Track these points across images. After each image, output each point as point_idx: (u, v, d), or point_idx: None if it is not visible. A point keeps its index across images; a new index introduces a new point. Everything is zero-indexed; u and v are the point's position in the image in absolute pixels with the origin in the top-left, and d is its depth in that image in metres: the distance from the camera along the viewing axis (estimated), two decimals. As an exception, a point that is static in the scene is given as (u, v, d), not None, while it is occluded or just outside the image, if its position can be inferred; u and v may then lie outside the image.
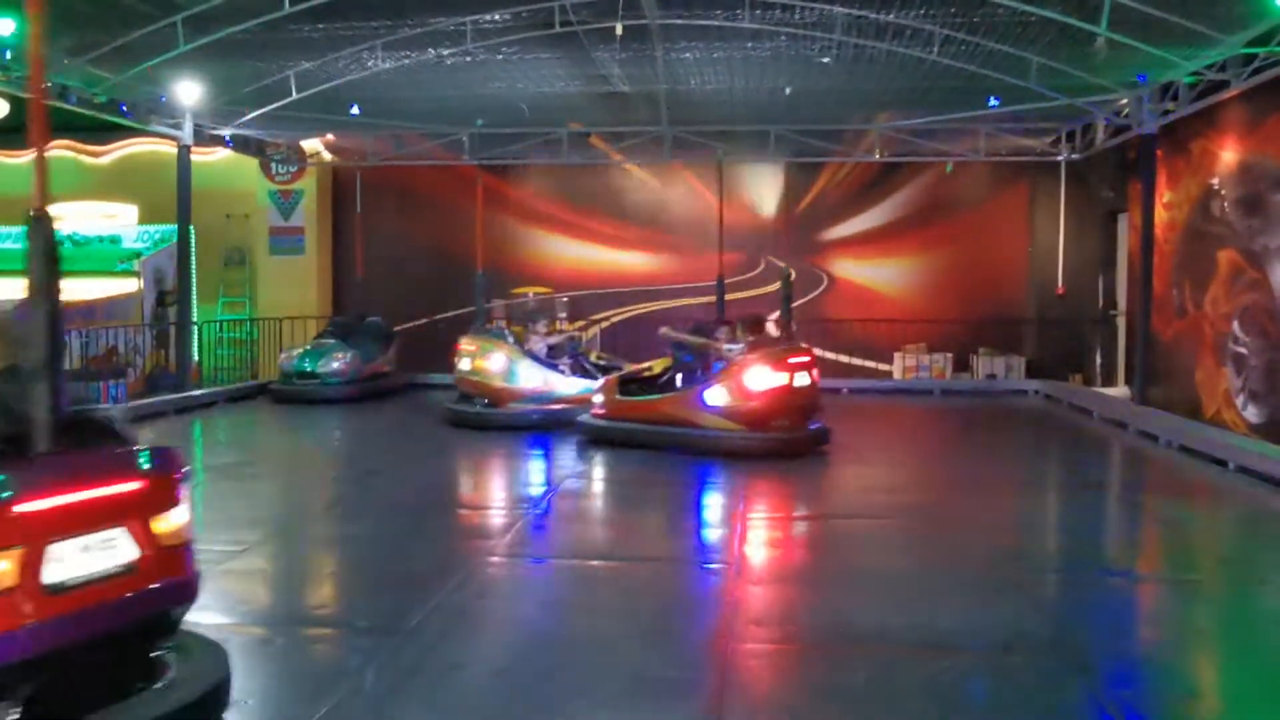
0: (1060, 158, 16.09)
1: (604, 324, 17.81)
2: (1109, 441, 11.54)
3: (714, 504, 8.38)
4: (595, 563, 6.33)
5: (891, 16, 11.15)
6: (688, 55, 11.80)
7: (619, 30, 10.94)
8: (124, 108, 12.81)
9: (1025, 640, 4.81)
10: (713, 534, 7.21)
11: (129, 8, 10.48)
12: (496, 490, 9.45)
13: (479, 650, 4.70)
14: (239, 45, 11.35)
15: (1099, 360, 16.25)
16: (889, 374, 17.05)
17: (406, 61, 11.75)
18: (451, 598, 5.36)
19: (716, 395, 9.94)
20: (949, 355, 16.83)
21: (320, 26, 10.57)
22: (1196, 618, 5.46)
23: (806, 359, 10.36)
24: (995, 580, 5.83)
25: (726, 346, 10.34)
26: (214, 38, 10.90)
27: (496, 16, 10.31)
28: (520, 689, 4.21)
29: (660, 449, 10.02)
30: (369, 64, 11.90)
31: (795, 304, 17.45)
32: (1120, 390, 14.81)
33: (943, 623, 5.07)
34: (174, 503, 3.48)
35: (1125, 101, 13.26)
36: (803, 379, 10.14)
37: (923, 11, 11.13)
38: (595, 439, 10.74)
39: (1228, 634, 5.24)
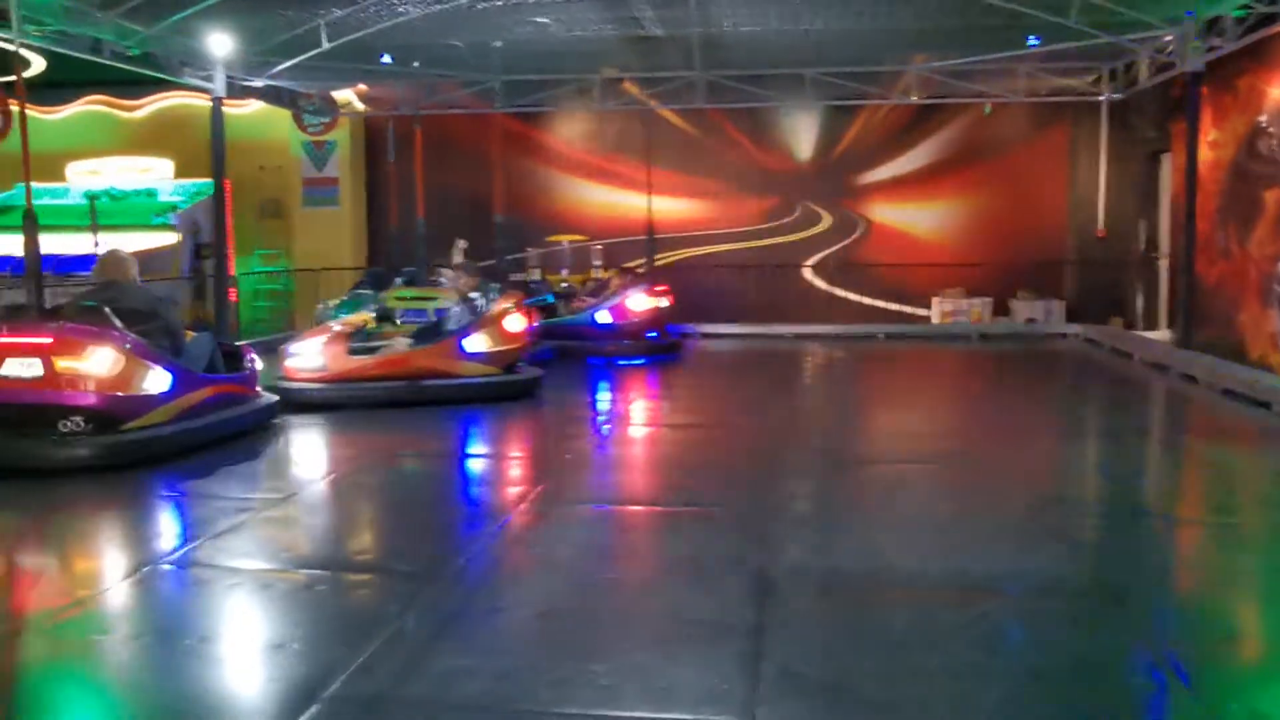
0: (1102, 97, 15.77)
1: (640, 269, 17.74)
2: (1150, 385, 11.41)
3: (734, 449, 8.35)
4: (638, 509, 6.35)
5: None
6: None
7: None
8: (157, 61, 12.78)
9: (1064, 584, 4.79)
10: (743, 478, 7.18)
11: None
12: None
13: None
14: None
15: (1140, 303, 16.02)
16: (926, 319, 16.92)
17: (436, 8, 11.63)
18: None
19: (477, 341, 10.27)
20: (988, 299, 16.67)
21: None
22: (1237, 561, 5.39)
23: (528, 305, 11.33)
24: (1034, 525, 5.79)
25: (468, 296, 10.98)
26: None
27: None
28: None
29: (406, 406, 9.83)
30: (399, 10, 11.79)
31: (832, 249, 17.48)
32: (1163, 334, 14.62)
33: (981, 567, 5.04)
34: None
35: (1170, 38, 12.94)
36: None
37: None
38: (314, 408, 9.68)
39: (1268, 577, 5.18)
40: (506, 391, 10.33)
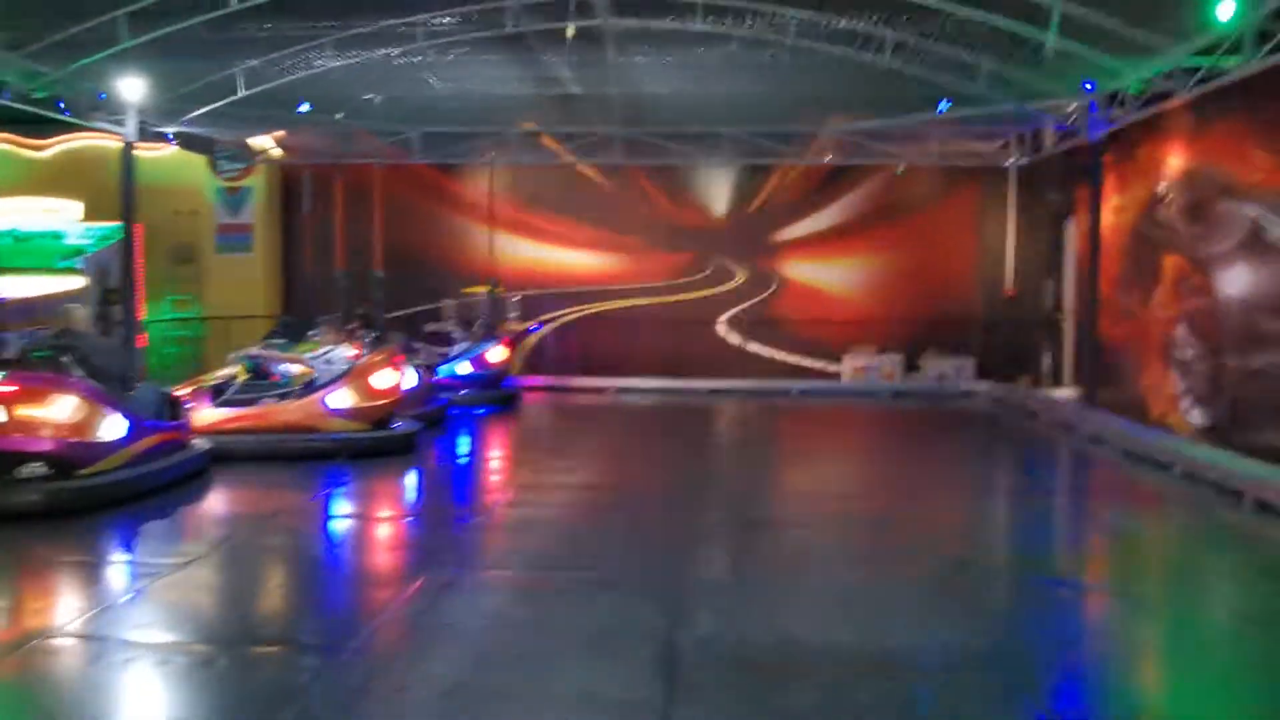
0: (1009, 162, 16.24)
1: (554, 323, 17.76)
2: (1056, 445, 11.67)
3: (652, 515, 8.34)
4: (542, 576, 6.29)
5: (843, 22, 11.22)
6: (638, 59, 11.76)
7: (570, 33, 10.91)
8: (63, 104, 12.52)
9: (973, 656, 4.84)
10: (650, 542, 7.15)
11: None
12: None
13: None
14: (184, 42, 11.13)
15: (1048, 361, 16.41)
16: (838, 375, 17.13)
17: (354, 61, 11.60)
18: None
19: (342, 398, 10.19)
20: (899, 356, 16.94)
21: (267, 26, 10.41)
22: (1140, 631, 5.51)
23: (401, 359, 11.23)
24: (941, 593, 5.87)
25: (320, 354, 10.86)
26: (158, 34, 10.70)
27: (446, 19, 10.20)
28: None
29: (270, 460, 9.80)
30: (316, 63, 11.75)
31: (747, 304, 17.66)
32: (1068, 391, 14.97)
33: (891, 638, 5.09)
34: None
35: (1074, 108, 13.40)
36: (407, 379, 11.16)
37: (874, 17, 11.21)
38: None
39: (1172, 648, 5.30)
40: (378, 447, 10.12)
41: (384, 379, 10.36)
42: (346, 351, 10.64)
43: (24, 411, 7.27)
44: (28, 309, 14.67)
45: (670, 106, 14.47)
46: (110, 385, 7.95)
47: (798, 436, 13.12)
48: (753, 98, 14.06)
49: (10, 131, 17.70)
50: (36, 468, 7.30)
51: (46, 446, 7.31)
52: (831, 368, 17.33)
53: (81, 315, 8.49)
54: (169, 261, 17.74)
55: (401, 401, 10.71)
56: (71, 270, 15.84)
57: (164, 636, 5.08)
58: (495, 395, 14.47)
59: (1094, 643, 5.37)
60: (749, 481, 9.85)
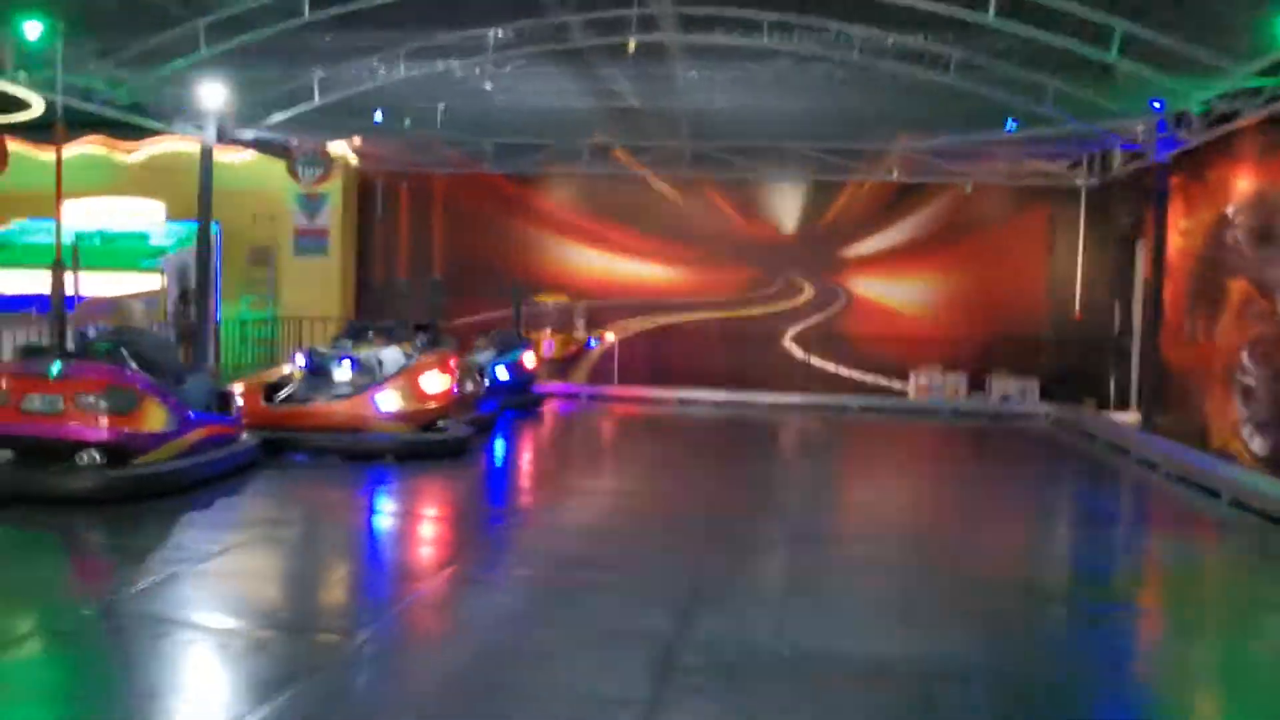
0: (1079, 183, 16.04)
1: (622, 334, 17.94)
2: (1107, 468, 11.50)
3: (694, 515, 8.43)
4: (562, 576, 6.44)
5: (909, 39, 11.23)
6: (694, 74, 11.90)
7: (632, 47, 11.09)
8: (148, 109, 13.05)
9: (972, 670, 4.86)
10: (680, 549, 7.25)
11: (158, 9, 10.74)
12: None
13: (427, 660, 4.79)
14: (263, 50, 11.56)
15: (1113, 385, 16.15)
16: (903, 393, 17.04)
17: (416, 74, 11.94)
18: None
19: (390, 399, 10.29)
20: (963, 375, 16.80)
21: (327, 38, 10.77)
22: (1154, 653, 5.47)
23: (455, 364, 11.24)
24: (953, 607, 5.88)
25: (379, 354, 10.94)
26: (235, 43, 11.14)
27: (500, 32, 10.45)
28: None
29: (319, 456, 10.05)
30: (380, 74, 12.10)
31: (814, 320, 17.66)
32: (1132, 416, 14.72)
33: (899, 650, 5.12)
34: None
35: (1142, 128, 13.21)
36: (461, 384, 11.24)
37: (939, 35, 11.21)
38: None
39: (1185, 672, 5.25)
40: (425, 449, 10.23)
41: (433, 382, 10.51)
42: (399, 354, 10.83)
43: (83, 401, 7.58)
44: (112, 306, 15.27)
45: (737, 120, 14.58)
46: (164, 379, 8.24)
47: (852, 452, 13.12)
48: (819, 113, 14.12)
49: (103, 134, 18.44)
50: (92, 455, 7.61)
51: (103, 435, 7.61)
52: (896, 385, 17.25)
53: (139, 311, 8.75)
54: (247, 263, 18.32)
55: (453, 405, 10.85)
56: (153, 270, 16.47)
57: (189, 616, 5.31)
58: (524, 400, 14.55)
59: (1088, 663, 5.32)
60: (796, 494, 9.91)
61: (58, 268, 8.17)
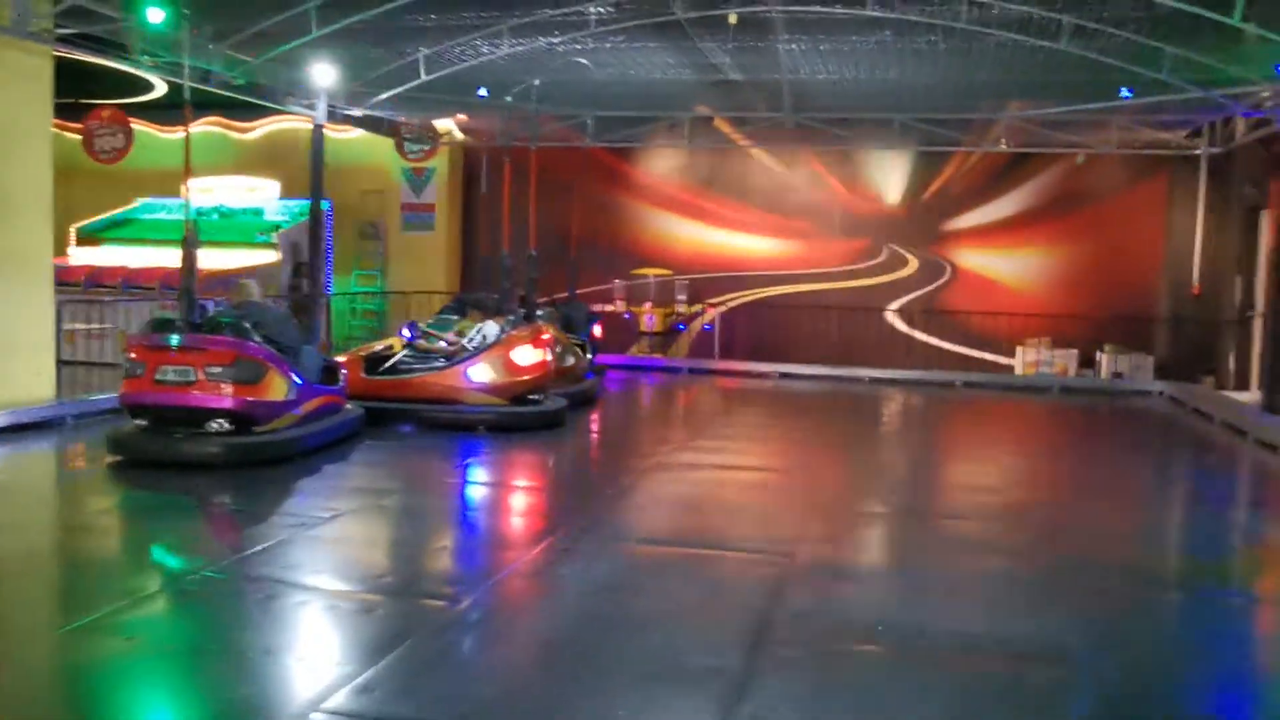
0: (1197, 151, 15.47)
1: (722, 307, 17.93)
2: (1223, 450, 11.15)
3: (805, 495, 8.43)
4: (663, 548, 6.52)
5: (1018, 5, 10.94)
6: (793, 46, 11.79)
7: (733, 20, 11.03)
8: (262, 90, 13.43)
9: (1067, 651, 4.80)
10: (783, 524, 7.27)
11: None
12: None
13: (525, 626, 4.92)
14: (369, 30, 11.81)
15: (1232, 363, 15.60)
16: (1010, 368, 16.72)
17: (519, 50, 12.06)
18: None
19: (481, 372, 10.43)
20: (1074, 351, 16.41)
21: (433, 16, 10.95)
22: (1262, 641, 5.33)
23: (549, 338, 11.20)
24: (1053, 587, 5.81)
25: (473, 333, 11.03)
26: (344, 24, 11.39)
27: (601, 9, 10.49)
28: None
29: (416, 426, 10.34)
30: (483, 51, 12.26)
31: (919, 294, 17.41)
32: (1253, 396, 14.22)
33: (988, 628, 5.09)
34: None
35: (1267, 94, 12.69)
36: (557, 357, 11.27)
37: (1053, 2, 10.89)
38: None
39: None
40: (518, 422, 10.40)
41: (525, 355, 10.63)
42: (497, 328, 11.00)
43: (213, 372, 7.96)
44: (227, 281, 15.81)
45: (840, 91, 14.39)
46: (284, 351, 8.56)
47: (956, 428, 12.96)
48: (924, 84, 13.85)
49: (220, 115, 19.04)
50: (221, 423, 8.02)
51: (229, 404, 8.00)
52: (1003, 360, 16.92)
53: (254, 288, 9.09)
54: (356, 238, 18.78)
55: (547, 378, 10.96)
56: (268, 245, 16.99)
57: (303, 578, 5.52)
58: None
59: (1167, 646, 5.17)
60: (896, 470, 9.84)
61: (187, 244, 8.48)
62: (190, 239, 8.55)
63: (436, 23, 11.31)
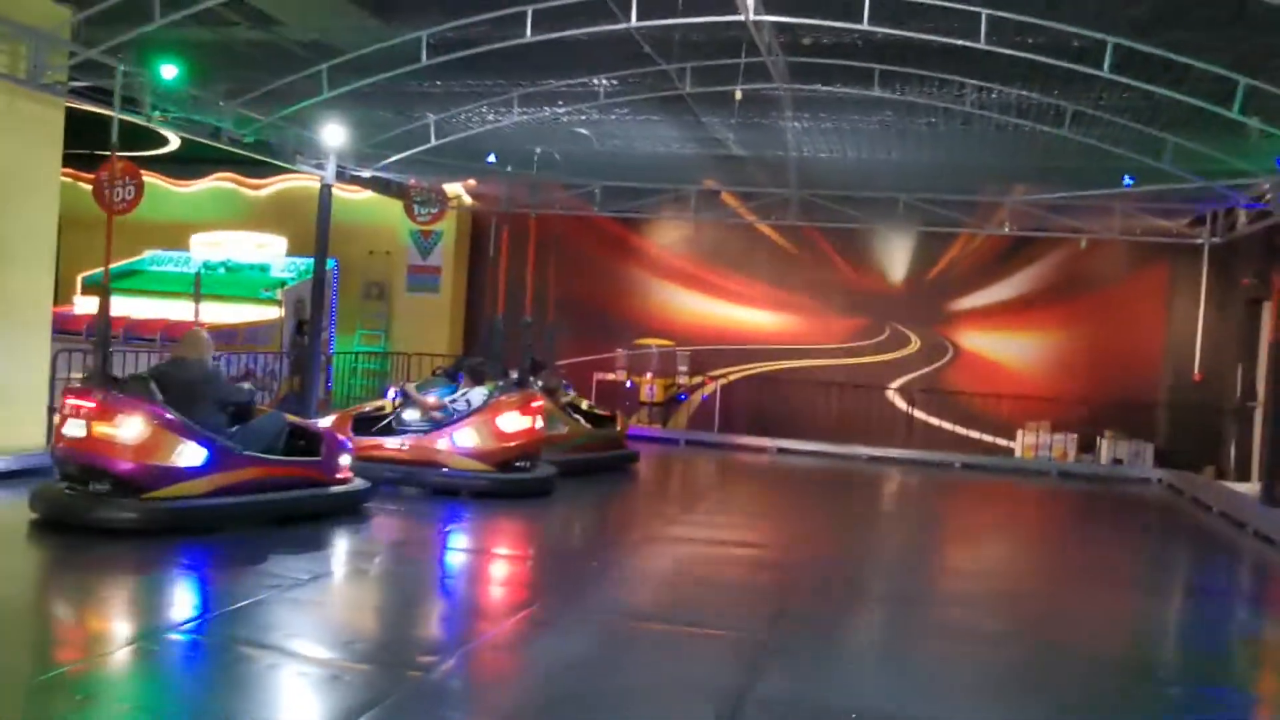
0: (1199, 240, 15.53)
1: (723, 380, 17.92)
2: (1221, 541, 11.02)
3: (757, 568, 8.34)
4: (637, 624, 6.42)
5: (1017, 90, 11.05)
6: (796, 124, 11.92)
7: (738, 96, 11.15)
8: (272, 148, 13.58)
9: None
10: (763, 604, 7.17)
11: (287, 53, 11.22)
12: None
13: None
14: (380, 93, 11.97)
15: (1233, 453, 15.49)
16: (1010, 450, 16.63)
17: (526, 119, 12.20)
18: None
19: (466, 437, 10.35)
20: (1074, 436, 16.32)
21: (438, 83, 11.09)
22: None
23: (539, 404, 11.14)
24: (1036, 678, 5.70)
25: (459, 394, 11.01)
26: (356, 86, 11.54)
27: (602, 81, 10.63)
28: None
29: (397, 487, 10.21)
30: (489, 119, 12.41)
31: (920, 373, 17.38)
32: (1253, 487, 14.09)
33: (960, 716, 4.98)
34: None
35: (1268, 187, 12.75)
36: (539, 424, 10.96)
37: (1053, 88, 11.00)
38: None
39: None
40: (502, 488, 10.28)
41: (511, 422, 10.54)
42: (484, 393, 10.95)
43: (99, 429, 7.42)
44: (229, 335, 15.87)
45: (845, 170, 14.51)
46: (201, 413, 7.91)
47: (951, 511, 12.85)
48: (929, 165, 13.97)
49: (233, 171, 19.26)
50: (104, 484, 7.44)
51: (107, 464, 7.42)
52: (1002, 443, 16.85)
53: (203, 341, 8.46)
54: (362, 297, 18.87)
55: (535, 446, 10.86)
56: (272, 301, 17.07)
57: (270, 641, 5.43)
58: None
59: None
60: (886, 551, 9.75)
61: (104, 298, 8.42)
62: (105, 291, 8.45)
63: (443, 89, 11.46)
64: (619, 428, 13.61)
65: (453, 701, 4.86)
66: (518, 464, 10.61)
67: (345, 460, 9.06)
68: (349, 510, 8.90)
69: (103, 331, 8.26)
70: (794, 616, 6.77)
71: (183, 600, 6.49)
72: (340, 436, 9.39)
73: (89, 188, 14.54)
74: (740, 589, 7.57)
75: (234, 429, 8.23)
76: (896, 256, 17.56)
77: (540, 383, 12.84)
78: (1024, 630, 6.87)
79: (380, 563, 7.73)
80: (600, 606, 6.81)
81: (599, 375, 17.87)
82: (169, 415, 7.63)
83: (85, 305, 17.13)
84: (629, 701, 4.93)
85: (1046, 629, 6.89)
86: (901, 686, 5.46)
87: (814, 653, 6.00)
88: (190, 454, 7.63)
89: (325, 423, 10.33)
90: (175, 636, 5.46)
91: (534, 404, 10.96)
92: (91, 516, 7.37)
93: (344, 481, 9.01)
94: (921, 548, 10.21)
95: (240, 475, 7.94)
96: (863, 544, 10.03)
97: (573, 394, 14.05)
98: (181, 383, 7.97)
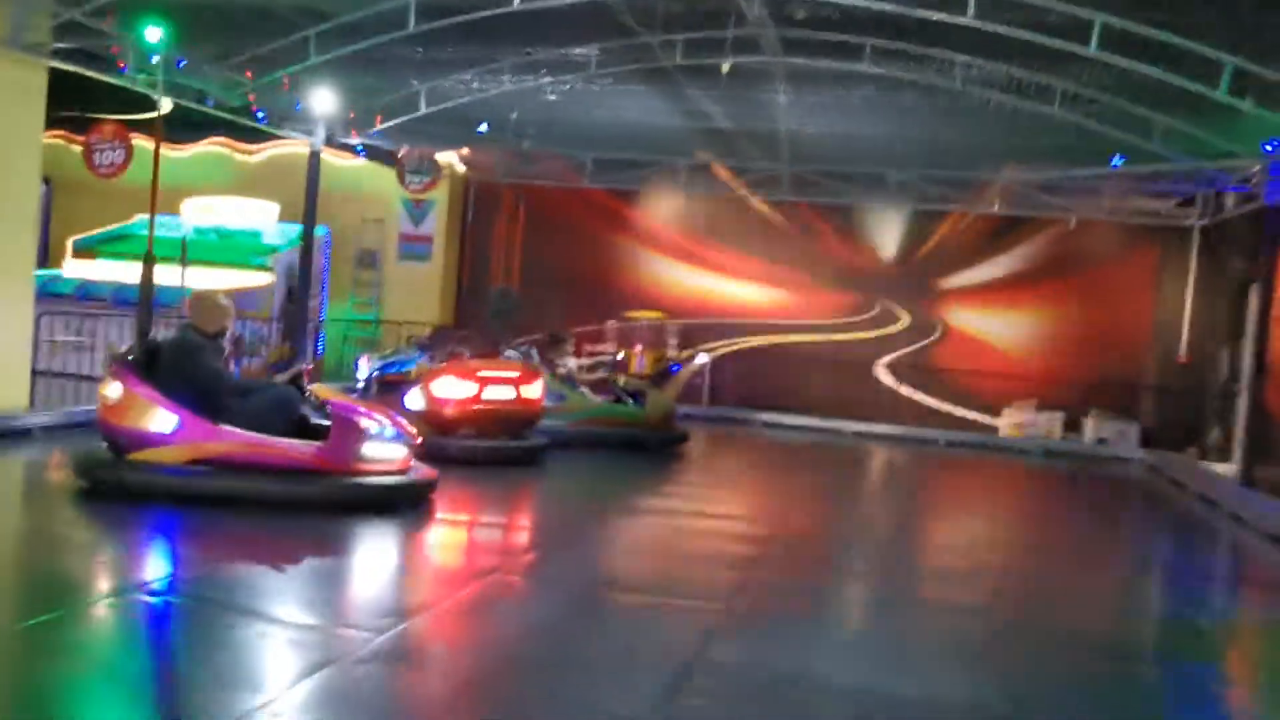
0: (1189, 222, 15.54)
1: (713, 353, 17.94)
2: (1193, 521, 11.08)
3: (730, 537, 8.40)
4: (603, 594, 6.49)
5: (1012, 69, 11.04)
6: (780, 97, 11.91)
7: (726, 69, 11.14)
8: (261, 112, 13.57)
9: (971, 713, 4.77)
10: (745, 574, 7.23)
11: (277, 17, 11.16)
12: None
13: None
14: (371, 60, 11.94)
15: (1218, 434, 15.54)
16: (996, 429, 16.67)
17: (513, 88, 12.20)
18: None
19: (414, 399, 10.46)
20: (1060, 415, 16.36)
21: (419, 50, 11.07)
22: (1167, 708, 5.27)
23: (513, 374, 10.92)
24: (986, 650, 5.78)
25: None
26: (342, 52, 11.53)
27: (588, 51, 10.62)
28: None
29: None
30: (475, 87, 12.41)
31: (908, 350, 17.41)
32: (1232, 468, 14.16)
33: (900, 688, 5.04)
34: None
35: (1255, 169, 12.75)
36: (501, 393, 10.69)
37: (1044, 67, 10.99)
38: None
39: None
40: (489, 457, 10.38)
41: (444, 388, 10.49)
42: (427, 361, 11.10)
43: (100, 391, 7.90)
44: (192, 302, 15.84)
45: (837, 145, 14.52)
46: (185, 383, 7.76)
47: (931, 488, 12.90)
48: (921, 142, 14.00)
49: (227, 136, 19.22)
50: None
51: (104, 426, 7.79)
52: (989, 420, 16.89)
53: (203, 307, 8.32)
54: (354, 265, 18.87)
55: (474, 414, 10.58)
56: (264, 268, 17.07)
57: (232, 602, 5.49)
58: None
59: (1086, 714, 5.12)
60: (858, 525, 9.81)
61: (148, 262, 8.46)
62: (150, 257, 8.46)
63: (429, 57, 11.44)
64: (650, 407, 12.88)
65: (406, 663, 4.92)
66: (463, 431, 10.48)
67: (373, 449, 7.91)
68: (367, 508, 7.77)
69: (145, 299, 8.26)
70: (760, 586, 6.84)
71: (149, 563, 6.58)
72: (377, 421, 8.07)
73: (80, 150, 14.62)
74: (713, 560, 7.62)
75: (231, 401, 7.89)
76: (888, 234, 17.53)
77: (535, 353, 12.77)
78: (984, 604, 6.93)
79: (341, 526, 7.64)
80: (566, 576, 6.88)
81: (589, 347, 17.87)
82: (142, 383, 7.65)
83: (76, 268, 17.17)
84: (582, 667, 5.00)
85: (1007, 603, 6.96)
86: (855, 655, 5.54)
87: (774, 621, 6.08)
88: (162, 420, 7.58)
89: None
90: (140, 597, 5.53)
91: (482, 372, 10.76)
92: (92, 475, 7.69)
93: (366, 473, 7.89)
94: (895, 522, 10.26)
95: (212, 449, 7.60)
96: (840, 517, 10.09)
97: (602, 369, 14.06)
98: (169, 349, 7.94)
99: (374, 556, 7.22)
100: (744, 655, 5.37)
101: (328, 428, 7.86)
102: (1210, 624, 7.14)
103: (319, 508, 7.61)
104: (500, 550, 7.82)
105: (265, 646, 4.93)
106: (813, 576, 7.42)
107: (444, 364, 10.98)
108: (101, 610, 5.34)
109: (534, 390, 10.93)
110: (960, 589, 7.35)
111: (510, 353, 12.13)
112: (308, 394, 8.18)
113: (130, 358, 7.92)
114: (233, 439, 7.64)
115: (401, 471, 8.09)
